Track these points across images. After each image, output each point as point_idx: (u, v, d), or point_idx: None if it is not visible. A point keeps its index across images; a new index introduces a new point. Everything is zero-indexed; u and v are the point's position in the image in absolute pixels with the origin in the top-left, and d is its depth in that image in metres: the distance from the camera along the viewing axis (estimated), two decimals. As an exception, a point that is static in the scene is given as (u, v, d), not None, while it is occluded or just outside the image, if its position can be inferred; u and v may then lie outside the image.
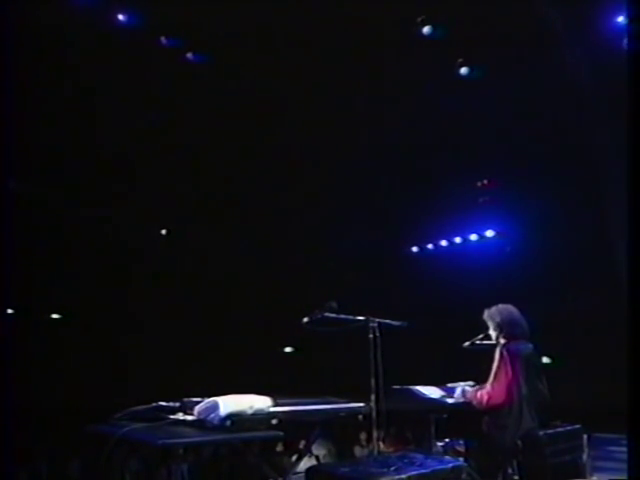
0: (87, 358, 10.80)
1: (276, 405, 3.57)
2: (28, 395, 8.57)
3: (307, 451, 4.52)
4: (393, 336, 4.48)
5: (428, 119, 9.27)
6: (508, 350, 4.56)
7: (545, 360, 6.59)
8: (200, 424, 3.39)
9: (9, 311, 8.47)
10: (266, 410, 3.49)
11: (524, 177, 9.72)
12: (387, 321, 4.60)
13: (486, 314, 4.90)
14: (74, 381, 10.30)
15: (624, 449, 3.67)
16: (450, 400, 4.79)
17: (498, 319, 4.79)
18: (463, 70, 8.43)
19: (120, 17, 7.70)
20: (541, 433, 4.41)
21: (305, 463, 4.35)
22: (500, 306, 4.87)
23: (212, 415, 3.35)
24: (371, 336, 4.47)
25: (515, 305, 4.90)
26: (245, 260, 11.89)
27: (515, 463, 4.58)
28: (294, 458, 4.40)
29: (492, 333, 4.83)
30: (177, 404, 3.70)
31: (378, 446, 4.55)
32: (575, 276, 9.42)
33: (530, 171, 9.56)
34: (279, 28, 7.83)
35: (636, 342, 3.20)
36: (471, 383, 4.99)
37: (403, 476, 3.30)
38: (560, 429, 4.59)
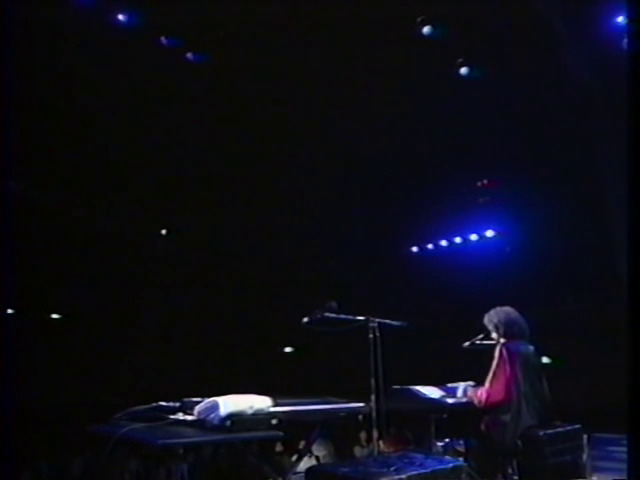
0: (87, 358, 10.81)
1: (276, 405, 3.57)
2: (29, 395, 8.58)
3: (307, 451, 4.52)
4: (393, 336, 4.48)
5: (428, 119, 9.27)
6: (507, 349, 4.58)
7: (545, 360, 6.60)
8: (200, 424, 3.39)
9: (9, 311, 8.49)
10: (266, 410, 3.49)
11: (524, 177, 9.72)
12: (387, 321, 4.60)
13: (486, 318, 4.93)
14: (74, 381, 10.31)
15: (624, 449, 3.67)
16: (450, 400, 4.80)
17: (495, 320, 4.83)
18: (463, 70, 8.43)
19: (120, 17, 7.70)
20: (541, 433, 4.41)
21: (305, 463, 4.35)
22: (498, 308, 4.92)
23: (212, 415, 3.35)
24: (371, 336, 4.47)
25: (515, 305, 4.93)
26: (245, 260, 11.90)
27: (515, 463, 4.58)
28: (294, 458, 4.40)
29: (493, 334, 4.86)
30: (177, 404, 3.69)
31: (378, 446, 4.55)
32: (575, 276, 9.42)
33: (530, 171, 9.56)
34: (279, 28, 7.83)
35: (636, 342, 3.20)
36: (471, 383, 4.99)
37: (403, 476, 3.30)
38: (560, 429, 4.58)
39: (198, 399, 3.57)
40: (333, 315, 4.47)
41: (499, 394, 4.50)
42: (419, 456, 3.70)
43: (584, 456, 4.84)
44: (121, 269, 11.52)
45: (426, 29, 7.83)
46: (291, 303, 9.01)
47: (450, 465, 3.63)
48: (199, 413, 3.43)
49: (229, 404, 3.36)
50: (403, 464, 3.50)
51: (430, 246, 12.13)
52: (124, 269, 11.55)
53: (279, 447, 8.18)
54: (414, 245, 12.33)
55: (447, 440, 5.20)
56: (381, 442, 4.76)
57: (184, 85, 8.81)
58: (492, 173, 10.52)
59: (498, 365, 4.56)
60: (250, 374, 9.90)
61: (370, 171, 10.40)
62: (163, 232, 12.36)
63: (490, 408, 4.55)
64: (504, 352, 4.56)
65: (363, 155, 10.14)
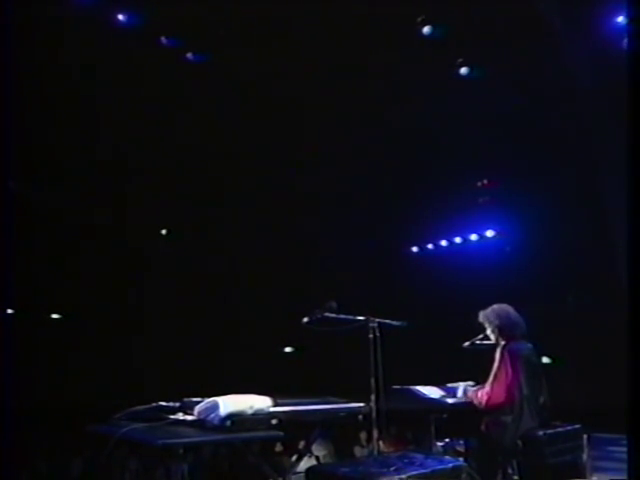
0: (87, 358, 10.81)
1: (276, 405, 3.56)
2: (28, 395, 8.58)
3: (307, 451, 4.52)
4: (393, 336, 4.47)
5: (428, 119, 9.27)
6: (509, 351, 4.56)
7: (545, 360, 6.60)
8: (200, 424, 3.39)
9: (9, 311, 8.49)
10: (266, 410, 3.49)
11: (524, 177, 9.72)
12: (387, 321, 4.59)
13: (482, 316, 4.85)
14: (74, 381, 10.31)
15: (624, 449, 3.67)
16: (450, 400, 4.79)
17: (497, 322, 4.75)
18: (463, 70, 8.43)
19: (120, 17, 7.70)
20: (541, 433, 4.40)
21: (305, 463, 4.35)
22: (496, 307, 4.83)
23: (212, 415, 3.35)
24: (371, 336, 4.47)
25: (515, 305, 4.88)
26: (245, 260, 11.90)
27: (515, 463, 4.58)
28: (294, 458, 4.40)
29: (490, 335, 4.81)
30: (177, 404, 3.69)
31: (378, 446, 4.54)
32: (575, 276, 9.42)
33: (530, 171, 9.56)
34: (279, 28, 7.83)
35: (636, 342, 3.20)
36: (471, 383, 4.99)
37: (403, 476, 3.31)
38: (560, 429, 4.58)
39: (198, 399, 3.57)
40: (333, 315, 4.46)
41: (500, 396, 4.48)
42: (419, 456, 3.70)
43: (584, 456, 4.83)
44: (121, 269, 11.52)
45: (426, 29, 7.83)
46: (291, 303, 9.01)
47: (450, 465, 3.63)
48: (199, 413, 3.43)
49: (229, 404, 3.36)
50: (403, 464, 3.50)
51: (430, 246, 12.13)
52: (124, 269, 11.55)
53: (279, 447, 8.18)
54: (414, 245, 12.33)
55: (447, 440, 5.19)
56: (381, 442, 4.75)
57: (185, 85, 8.81)
58: (492, 173, 10.52)
59: (499, 367, 4.53)
60: (250, 374, 9.88)
61: (370, 171, 10.40)
62: (163, 232, 12.36)
63: (491, 410, 4.54)
64: (506, 354, 4.53)
65: (363, 155, 10.15)
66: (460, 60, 8.39)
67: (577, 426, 4.73)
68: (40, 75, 8.08)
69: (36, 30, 7.28)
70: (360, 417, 4.23)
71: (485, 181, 10.70)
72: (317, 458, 7.43)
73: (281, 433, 3.53)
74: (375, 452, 4.49)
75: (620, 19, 7.33)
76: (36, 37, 7.39)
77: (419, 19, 7.83)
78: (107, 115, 9.04)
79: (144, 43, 7.97)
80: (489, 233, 11.08)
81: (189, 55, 8.30)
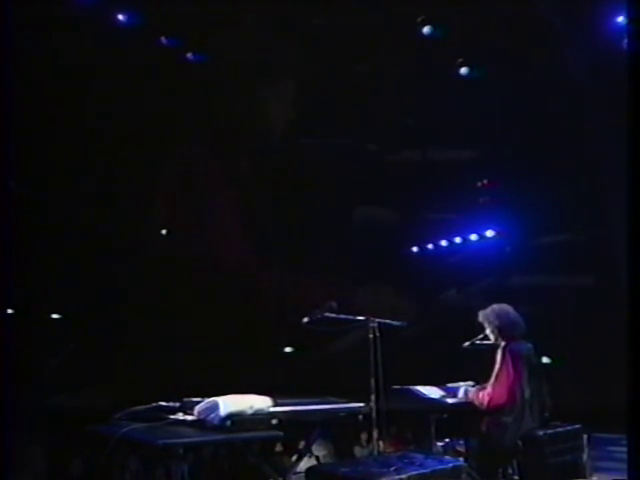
0: (87, 358, 10.80)
1: (276, 405, 3.57)
2: (28, 395, 8.58)
3: (307, 451, 4.52)
4: (393, 336, 4.47)
5: (428, 119, 9.27)
6: (510, 351, 4.55)
7: (545, 360, 6.60)
8: (200, 424, 3.40)
9: (9, 311, 8.49)
10: (266, 410, 3.49)
11: (524, 177, 9.72)
12: (387, 321, 4.60)
13: (482, 316, 4.85)
14: (74, 381, 10.30)
15: (624, 449, 3.67)
16: (450, 400, 4.79)
17: (497, 322, 4.74)
18: (463, 70, 8.44)
19: (120, 17, 7.71)
20: (541, 433, 4.41)
21: (305, 463, 4.35)
22: (495, 307, 4.83)
23: (212, 415, 3.35)
24: (371, 336, 4.47)
25: (515, 305, 4.89)
26: (245, 260, 11.89)
27: (515, 463, 4.58)
28: (294, 458, 4.40)
29: (490, 335, 4.80)
30: (177, 404, 3.70)
31: (378, 446, 4.54)
32: (575, 276, 9.42)
33: (530, 171, 9.56)
34: (279, 27, 7.84)
35: (636, 342, 3.20)
36: (471, 383, 4.99)
37: (403, 476, 3.31)
38: (560, 429, 4.58)
39: (198, 399, 3.57)
40: (333, 315, 4.47)
41: (502, 397, 4.47)
42: (419, 456, 3.69)
43: (584, 456, 4.83)
44: (121, 269, 11.51)
45: (426, 29, 7.84)
46: (291, 303, 9.02)
47: (450, 465, 3.63)
48: (199, 413, 3.44)
49: (229, 404, 3.36)
50: (403, 464, 3.50)
51: (430, 246, 12.12)
52: (124, 269, 11.54)
53: (279, 447, 8.16)
54: (414, 245, 12.32)
55: (447, 440, 5.19)
56: (381, 442, 4.75)
57: (185, 85, 8.82)
58: (492, 173, 10.52)
59: (501, 368, 4.53)
60: (250, 374, 9.88)
61: (370, 171, 10.41)
62: (163, 232, 12.35)
63: (493, 411, 4.53)
64: (507, 355, 4.53)
65: (363, 155, 10.15)
66: (460, 60, 8.39)
67: (577, 426, 4.73)
68: (40, 75, 8.08)
69: (36, 30, 7.28)
70: (360, 417, 4.23)
71: (485, 181, 10.69)
72: (317, 458, 7.41)
73: (281, 433, 3.54)
74: (375, 452, 4.49)
75: (620, 19, 7.32)
76: (36, 37, 7.39)
77: (419, 19, 7.83)
78: (107, 115, 9.04)
79: (144, 43, 7.98)
80: (489, 233, 11.06)
81: (189, 55, 8.30)
